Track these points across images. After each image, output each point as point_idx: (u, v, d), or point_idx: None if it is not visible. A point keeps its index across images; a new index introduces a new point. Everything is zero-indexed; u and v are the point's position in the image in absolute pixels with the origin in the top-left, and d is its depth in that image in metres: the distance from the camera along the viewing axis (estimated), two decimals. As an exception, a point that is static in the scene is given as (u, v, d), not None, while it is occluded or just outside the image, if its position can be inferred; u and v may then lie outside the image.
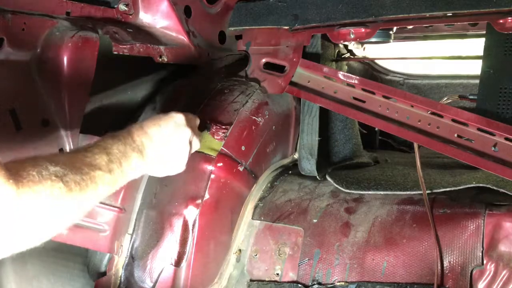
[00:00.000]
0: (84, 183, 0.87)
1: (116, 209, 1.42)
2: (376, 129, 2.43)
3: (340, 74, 1.66)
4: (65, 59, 1.26)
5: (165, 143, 1.15)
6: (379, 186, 1.59)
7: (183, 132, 1.19)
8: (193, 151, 1.28)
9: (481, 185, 1.42)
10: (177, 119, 1.19)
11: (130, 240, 1.47)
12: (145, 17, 1.62)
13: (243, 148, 1.58)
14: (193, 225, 1.43)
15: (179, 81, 1.76)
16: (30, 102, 1.24)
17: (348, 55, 2.21)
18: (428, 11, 1.52)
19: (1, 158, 0.75)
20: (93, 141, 1.00)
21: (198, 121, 1.32)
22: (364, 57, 2.38)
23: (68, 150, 1.32)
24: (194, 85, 1.72)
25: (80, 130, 1.35)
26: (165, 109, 1.61)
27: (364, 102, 1.59)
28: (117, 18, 1.53)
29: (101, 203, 1.38)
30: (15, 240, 0.78)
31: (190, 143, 1.23)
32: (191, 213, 1.44)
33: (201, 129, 1.44)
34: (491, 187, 1.40)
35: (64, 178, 0.82)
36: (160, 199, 1.48)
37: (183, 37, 1.68)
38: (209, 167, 1.48)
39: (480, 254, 1.28)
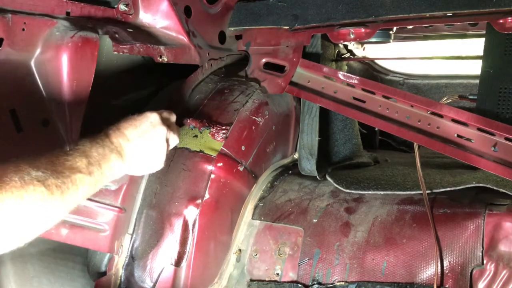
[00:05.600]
0: (65, 186, 0.92)
1: (116, 209, 1.42)
2: (376, 129, 2.43)
3: (340, 74, 1.66)
4: (65, 59, 1.26)
5: (142, 142, 1.19)
6: (379, 186, 1.59)
7: (158, 131, 1.23)
8: (171, 147, 1.33)
9: (481, 185, 1.42)
10: (152, 118, 1.23)
11: (130, 240, 1.47)
12: (145, 17, 1.62)
13: (243, 148, 1.58)
14: (193, 225, 1.43)
15: (179, 81, 1.76)
16: (30, 102, 1.24)
17: (348, 55, 2.21)
18: (428, 11, 1.52)
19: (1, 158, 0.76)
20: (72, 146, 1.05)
21: (174, 117, 1.35)
22: (364, 57, 2.38)
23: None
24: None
25: (80, 130, 1.35)
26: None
27: (364, 102, 1.59)
28: (117, 18, 1.53)
29: (101, 203, 1.40)
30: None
31: (167, 140, 1.27)
32: (191, 213, 1.44)
33: (179, 124, 1.46)
34: (491, 187, 1.40)
35: (46, 182, 0.87)
36: (160, 199, 1.48)
37: (183, 37, 1.68)
38: (209, 167, 1.48)
39: (480, 254, 1.28)
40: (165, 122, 1.27)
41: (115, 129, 1.16)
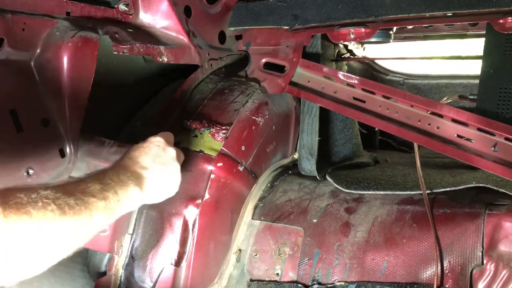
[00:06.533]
0: (78, 208, 0.84)
1: (116, 209, 1.42)
2: (376, 129, 2.43)
3: (340, 74, 1.66)
4: (65, 59, 1.26)
5: (159, 167, 1.15)
6: (379, 186, 1.59)
7: (169, 153, 1.20)
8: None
9: (481, 185, 1.42)
10: (159, 142, 1.19)
11: (130, 240, 1.47)
12: (145, 17, 1.62)
13: (243, 148, 1.58)
14: (193, 225, 1.43)
15: (179, 81, 1.76)
16: (30, 102, 1.24)
17: (348, 55, 2.21)
18: (428, 11, 1.52)
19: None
20: (84, 174, 0.99)
21: (172, 138, 1.32)
22: (364, 57, 2.38)
23: (68, 150, 1.32)
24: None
25: (80, 130, 1.35)
26: (165, 109, 1.63)
27: (364, 102, 1.59)
28: (117, 18, 1.53)
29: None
30: (5, 269, 0.74)
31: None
32: (191, 213, 1.44)
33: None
34: (491, 187, 1.40)
35: (56, 201, 0.79)
36: (160, 199, 1.48)
37: (183, 37, 1.68)
38: (209, 167, 1.48)
39: (480, 254, 1.28)
40: (170, 143, 1.24)
41: (128, 160, 1.10)
